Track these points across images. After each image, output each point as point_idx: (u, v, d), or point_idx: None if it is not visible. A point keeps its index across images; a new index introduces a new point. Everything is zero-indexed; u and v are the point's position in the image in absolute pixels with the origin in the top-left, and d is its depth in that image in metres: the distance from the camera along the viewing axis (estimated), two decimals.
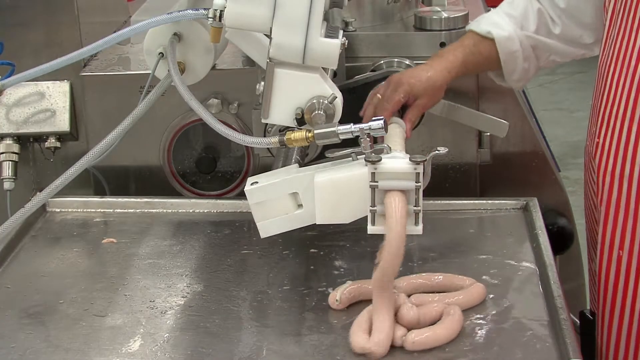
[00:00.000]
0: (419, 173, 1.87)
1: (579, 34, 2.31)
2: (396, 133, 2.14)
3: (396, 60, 2.48)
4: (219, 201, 2.42)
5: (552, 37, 2.32)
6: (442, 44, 2.51)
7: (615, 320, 2.15)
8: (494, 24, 2.31)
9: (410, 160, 1.88)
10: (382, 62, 2.49)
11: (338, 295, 1.93)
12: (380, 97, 2.24)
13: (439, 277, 1.99)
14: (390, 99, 2.22)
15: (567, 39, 2.32)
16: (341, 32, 1.97)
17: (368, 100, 2.28)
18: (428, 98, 2.24)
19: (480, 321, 1.88)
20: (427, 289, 1.96)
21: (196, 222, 2.34)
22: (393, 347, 1.79)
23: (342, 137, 1.93)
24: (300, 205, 2.00)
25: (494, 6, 3.33)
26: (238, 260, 2.15)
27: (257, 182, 2.01)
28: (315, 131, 1.93)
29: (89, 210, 2.41)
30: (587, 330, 2.43)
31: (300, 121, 1.95)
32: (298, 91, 1.94)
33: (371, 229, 1.91)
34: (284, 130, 1.99)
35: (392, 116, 2.20)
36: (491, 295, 1.96)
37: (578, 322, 2.44)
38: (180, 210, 2.40)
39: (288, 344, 1.84)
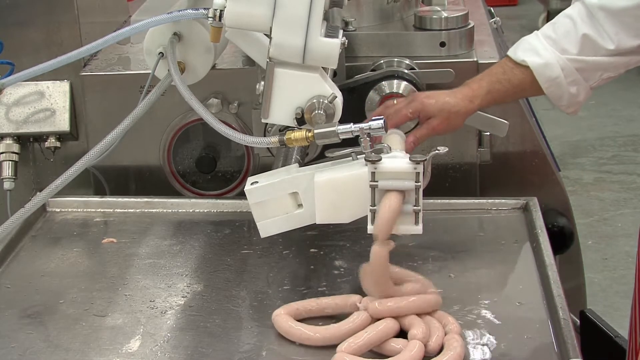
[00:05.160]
0: (419, 172, 1.87)
1: (636, 42, 2.16)
2: (396, 136, 2.14)
3: (396, 60, 2.48)
4: (219, 201, 2.41)
5: (604, 54, 2.17)
6: (442, 44, 2.51)
7: None
8: (531, 50, 2.21)
9: (410, 159, 1.87)
10: (382, 61, 2.48)
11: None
12: (392, 107, 2.23)
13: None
14: (398, 112, 2.21)
15: (621, 51, 2.17)
16: (341, 31, 1.96)
17: (381, 108, 2.28)
18: (441, 121, 2.19)
19: (479, 321, 1.88)
20: None
21: (196, 221, 2.34)
22: None
23: (342, 136, 1.92)
24: (300, 205, 1.99)
25: (494, 6, 3.34)
26: (238, 260, 2.15)
27: (257, 182, 2.01)
28: (315, 131, 1.93)
29: (89, 210, 2.41)
30: (587, 330, 2.43)
31: (300, 121, 1.95)
32: (298, 91, 1.94)
33: (371, 229, 1.91)
34: (284, 129, 1.99)
35: (395, 129, 2.19)
36: (491, 296, 1.96)
37: (578, 321, 2.44)
38: (180, 210, 2.39)
39: (288, 344, 1.84)
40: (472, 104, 2.21)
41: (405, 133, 2.20)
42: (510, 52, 2.25)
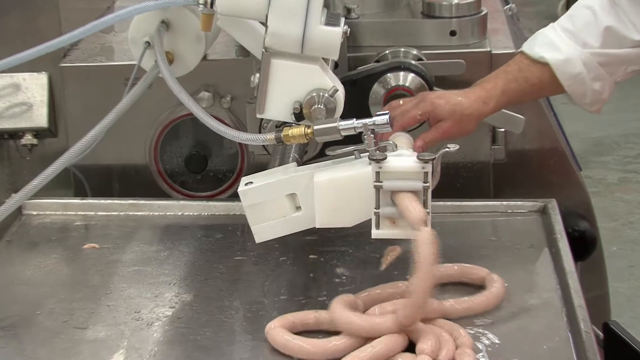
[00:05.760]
0: (427, 172, 1.87)
1: None
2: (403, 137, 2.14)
3: (402, 50, 2.48)
4: (210, 203, 2.41)
5: (629, 45, 2.17)
6: (453, 33, 2.51)
7: None
8: (549, 45, 2.20)
9: (418, 158, 1.88)
10: (387, 51, 2.49)
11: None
12: (399, 107, 2.22)
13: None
14: (406, 113, 2.20)
15: None
16: (343, 19, 1.97)
17: (386, 108, 2.27)
18: (453, 123, 2.18)
19: (495, 333, 1.88)
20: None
21: (185, 225, 2.34)
22: None
23: (343, 133, 1.93)
24: (298, 208, 2.00)
25: None
26: (231, 268, 2.15)
27: (251, 182, 2.01)
28: (315, 127, 1.93)
29: (69, 213, 2.41)
30: (611, 343, 2.42)
31: (299, 116, 1.95)
32: (296, 84, 1.94)
33: (375, 233, 1.91)
34: (280, 126, 1.99)
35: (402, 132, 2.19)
36: (505, 306, 1.96)
37: (601, 334, 2.44)
38: (168, 213, 2.39)
39: (284, 358, 1.84)
40: (486, 106, 2.21)
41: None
42: (525, 48, 2.24)
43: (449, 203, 2.32)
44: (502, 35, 2.65)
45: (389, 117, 1.91)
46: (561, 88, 2.22)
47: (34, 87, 2.60)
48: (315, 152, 2.33)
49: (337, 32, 1.92)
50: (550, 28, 2.24)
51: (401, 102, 2.25)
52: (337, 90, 1.95)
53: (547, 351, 1.84)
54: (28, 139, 2.59)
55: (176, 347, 1.89)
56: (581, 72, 2.19)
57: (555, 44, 2.20)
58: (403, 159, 1.90)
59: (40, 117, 2.59)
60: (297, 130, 1.94)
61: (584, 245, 2.53)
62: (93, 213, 2.41)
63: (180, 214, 2.40)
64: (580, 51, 2.19)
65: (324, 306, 1.97)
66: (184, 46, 2.17)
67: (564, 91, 2.22)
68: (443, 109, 2.19)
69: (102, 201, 2.44)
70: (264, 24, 1.92)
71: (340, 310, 1.85)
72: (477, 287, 2.01)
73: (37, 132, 2.60)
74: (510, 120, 2.41)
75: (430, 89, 2.36)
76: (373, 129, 1.91)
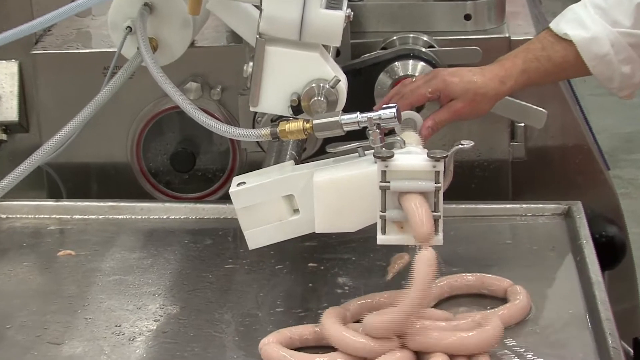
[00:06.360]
0: (439, 171, 1.88)
1: None
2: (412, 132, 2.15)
3: (412, 36, 2.48)
4: (198, 205, 2.42)
5: None
6: (467, 17, 2.52)
7: None
8: (576, 21, 2.22)
9: (428, 156, 1.88)
10: (394, 38, 2.49)
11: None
12: (409, 85, 2.23)
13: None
14: (415, 90, 2.22)
15: None
16: (346, 2, 1.97)
17: (397, 87, 2.28)
18: (466, 104, 2.21)
19: (514, 349, 1.89)
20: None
21: (171, 230, 2.35)
22: None
23: (346, 128, 1.93)
24: (296, 211, 2.00)
25: None
26: (221, 277, 2.16)
27: (244, 183, 2.01)
28: (314, 121, 1.93)
29: (42, 216, 2.41)
30: None
31: (297, 109, 1.96)
32: (294, 73, 1.95)
33: (381, 239, 1.91)
34: (276, 120, 1.99)
35: (411, 110, 2.20)
36: (526, 319, 1.97)
37: (631, 351, 2.45)
38: (151, 216, 2.40)
39: None
40: (503, 86, 2.22)
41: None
42: (552, 24, 2.26)
43: (463, 206, 2.33)
44: (522, 19, 2.65)
45: (396, 110, 1.92)
46: (586, 69, 2.23)
47: (3, 76, 2.60)
48: (314, 149, 2.34)
49: (339, 16, 1.92)
50: (582, 4, 2.26)
51: (413, 79, 2.27)
52: (339, 80, 1.95)
53: None
54: None
55: None
56: (608, 53, 2.21)
57: (582, 21, 2.22)
58: (412, 156, 1.91)
59: (9, 110, 2.59)
60: (295, 125, 1.95)
61: (613, 252, 2.54)
62: (69, 216, 2.41)
63: (165, 217, 2.40)
64: (609, 30, 2.20)
65: None
66: (170, 32, 2.17)
67: (590, 73, 2.24)
68: (456, 87, 2.21)
69: (79, 203, 2.44)
70: (258, 7, 1.92)
71: (331, 325, 1.85)
72: (498, 299, 2.01)
73: (7, 127, 2.60)
74: (531, 114, 2.41)
75: None
76: (379, 124, 1.91)
